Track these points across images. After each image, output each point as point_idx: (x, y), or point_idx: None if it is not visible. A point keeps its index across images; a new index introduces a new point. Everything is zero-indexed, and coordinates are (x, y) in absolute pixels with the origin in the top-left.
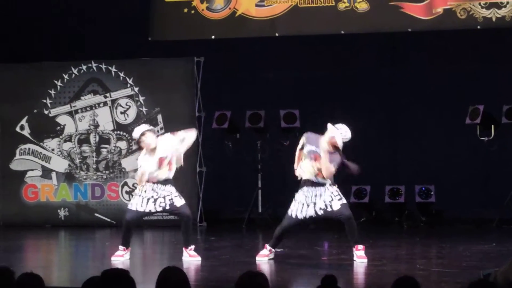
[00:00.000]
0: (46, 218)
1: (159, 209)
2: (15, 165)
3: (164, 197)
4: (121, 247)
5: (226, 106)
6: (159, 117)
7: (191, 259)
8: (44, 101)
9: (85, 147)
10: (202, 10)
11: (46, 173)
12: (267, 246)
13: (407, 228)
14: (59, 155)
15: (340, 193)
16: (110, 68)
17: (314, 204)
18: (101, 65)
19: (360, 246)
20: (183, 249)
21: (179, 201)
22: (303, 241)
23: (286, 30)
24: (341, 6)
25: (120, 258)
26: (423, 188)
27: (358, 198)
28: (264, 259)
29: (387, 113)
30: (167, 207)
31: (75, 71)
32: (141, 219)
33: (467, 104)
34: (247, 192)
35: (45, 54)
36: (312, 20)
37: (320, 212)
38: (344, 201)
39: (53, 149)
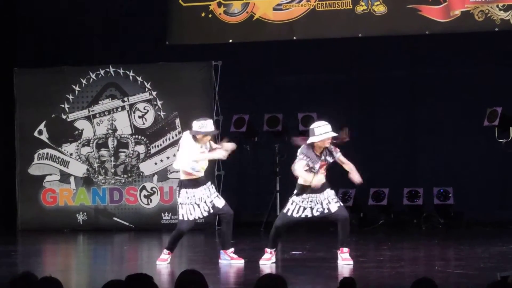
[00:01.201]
0: (65, 222)
1: (205, 214)
2: (33, 170)
3: (205, 201)
4: (166, 251)
5: (244, 110)
6: (177, 121)
7: (233, 262)
8: (62, 106)
9: (103, 152)
10: (220, 14)
11: (65, 177)
12: (267, 249)
13: (426, 230)
14: (77, 160)
15: (336, 196)
16: (128, 72)
17: (311, 208)
18: (118, 70)
19: (346, 249)
20: (222, 251)
21: (220, 202)
22: (322, 243)
23: (304, 33)
24: (359, 9)
25: (164, 262)
26: (442, 190)
27: (377, 200)
28: (267, 262)
29: (405, 116)
30: (211, 210)
31: (93, 76)
32: (193, 226)
33: (485, 106)
34: (265, 195)
35: (63, 59)
36: (330, 24)
37: (316, 214)
38: (341, 203)
39: (71, 154)
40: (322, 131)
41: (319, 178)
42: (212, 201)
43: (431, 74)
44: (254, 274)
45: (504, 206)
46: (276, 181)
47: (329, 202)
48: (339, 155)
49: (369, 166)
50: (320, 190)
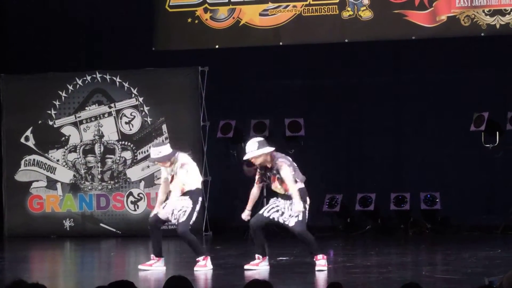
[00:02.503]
0: (52, 228)
1: (174, 221)
2: (20, 176)
3: (178, 210)
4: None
5: (231, 115)
6: (164, 127)
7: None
8: (49, 112)
9: (90, 158)
10: (206, 19)
11: (51, 183)
12: (256, 254)
13: (413, 235)
14: (64, 166)
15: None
16: (114, 78)
17: (282, 212)
18: (105, 76)
19: (320, 256)
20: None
21: (182, 218)
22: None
23: (290, 39)
24: (345, 14)
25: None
26: (428, 195)
27: (364, 206)
28: (252, 268)
29: (391, 121)
30: (174, 221)
31: (79, 82)
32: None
33: (471, 111)
34: None
35: (50, 65)
36: (316, 29)
37: (281, 221)
38: (299, 218)
39: (58, 160)
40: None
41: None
42: (179, 215)
43: (417, 79)
44: (241, 279)
45: (491, 211)
46: (263, 187)
47: (291, 215)
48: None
49: (356, 171)
50: (287, 197)
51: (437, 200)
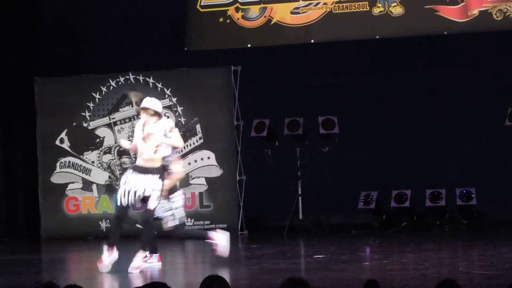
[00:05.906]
0: (88, 230)
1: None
2: (55, 178)
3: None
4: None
5: (265, 114)
6: (198, 127)
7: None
8: (83, 114)
9: (124, 159)
10: (238, 19)
11: (87, 185)
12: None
13: (449, 232)
14: (99, 167)
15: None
16: (147, 79)
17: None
18: (138, 77)
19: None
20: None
21: (151, 203)
22: (345, 246)
23: (321, 36)
24: (376, 10)
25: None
26: (464, 191)
27: (399, 202)
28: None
29: (425, 117)
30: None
31: (113, 83)
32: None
33: (506, 105)
34: (287, 199)
35: (84, 67)
36: (347, 26)
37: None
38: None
39: (93, 162)
40: None
41: None
42: (149, 196)
43: (450, 74)
44: (278, 278)
45: None
46: (298, 185)
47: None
48: None
49: (391, 168)
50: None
51: (473, 195)
